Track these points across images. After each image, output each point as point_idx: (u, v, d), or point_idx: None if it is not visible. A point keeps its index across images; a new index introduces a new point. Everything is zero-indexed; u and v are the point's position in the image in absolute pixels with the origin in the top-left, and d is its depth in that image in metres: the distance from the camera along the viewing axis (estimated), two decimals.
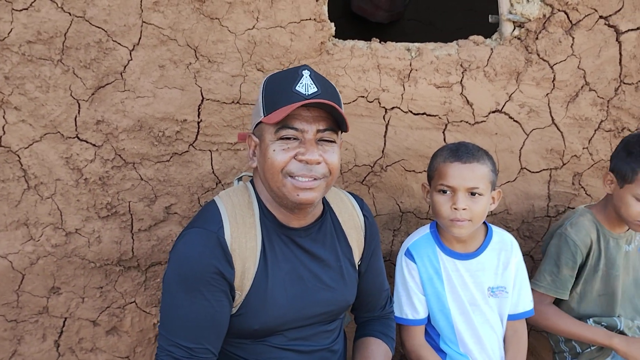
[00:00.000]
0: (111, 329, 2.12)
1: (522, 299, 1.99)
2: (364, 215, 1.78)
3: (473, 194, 1.82)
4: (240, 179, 1.80)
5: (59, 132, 1.92)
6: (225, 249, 1.51)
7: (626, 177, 1.97)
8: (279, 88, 1.51)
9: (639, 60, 2.29)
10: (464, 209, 1.81)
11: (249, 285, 1.54)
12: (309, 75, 1.51)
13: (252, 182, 1.67)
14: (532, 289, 2.06)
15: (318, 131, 1.51)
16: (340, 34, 2.16)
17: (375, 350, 1.75)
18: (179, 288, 1.49)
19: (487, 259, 1.94)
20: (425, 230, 2.00)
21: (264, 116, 1.51)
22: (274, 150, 1.50)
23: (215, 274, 1.48)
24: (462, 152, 1.85)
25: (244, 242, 1.54)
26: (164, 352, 1.48)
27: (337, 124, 1.54)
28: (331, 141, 1.54)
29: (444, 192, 1.85)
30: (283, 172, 1.50)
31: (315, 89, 1.49)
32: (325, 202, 1.72)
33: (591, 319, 2.12)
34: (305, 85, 1.49)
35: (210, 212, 1.57)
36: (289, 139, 1.50)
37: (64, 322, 2.07)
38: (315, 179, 1.51)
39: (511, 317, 1.98)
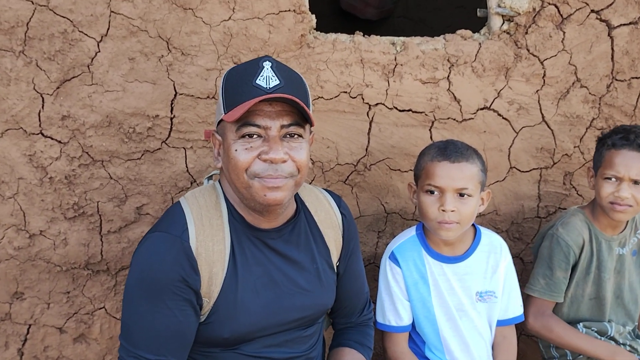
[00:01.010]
0: (79, 336, 2.02)
1: (512, 304, 1.92)
2: (341, 213, 1.69)
3: (462, 195, 1.75)
4: (210, 177, 1.71)
5: (21, 127, 1.82)
6: (190, 255, 1.41)
7: (598, 164, 1.98)
8: (238, 82, 1.41)
9: (631, 56, 2.23)
10: (452, 211, 1.73)
11: (217, 292, 1.45)
12: (271, 67, 1.40)
13: (219, 181, 1.58)
14: (527, 294, 2.01)
15: (282, 127, 1.41)
16: (329, 31, 2.07)
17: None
18: (141, 296, 1.39)
19: (476, 262, 1.87)
20: (411, 232, 1.92)
21: (224, 113, 1.41)
22: (236, 150, 1.40)
23: (178, 282, 1.39)
24: (450, 150, 1.77)
25: (210, 245, 1.45)
26: None
27: (304, 117, 1.44)
28: (298, 136, 1.44)
29: (432, 192, 1.77)
30: (248, 172, 1.41)
31: (278, 82, 1.39)
32: (299, 201, 1.63)
33: (581, 324, 2.06)
34: (267, 78, 1.39)
35: (174, 215, 1.48)
36: (251, 136, 1.40)
37: (28, 329, 1.97)
38: (282, 177, 1.41)
39: (500, 323, 1.91)
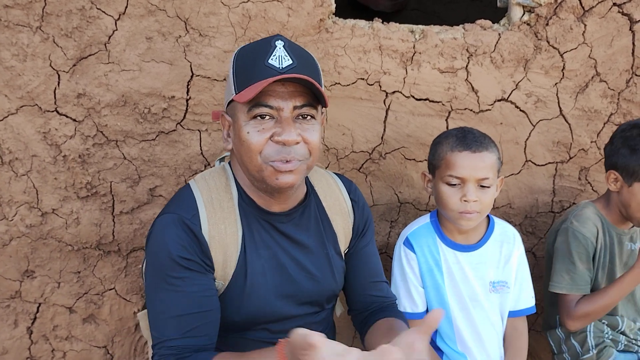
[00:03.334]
0: (88, 316, 2.01)
1: (523, 295, 1.90)
2: (351, 199, 1.66)
3: (483, 185, 1.72)
4: (222, 159, 1.68)
5: (36, 104, 1.80)
6: (199, 236, 1.39)
7: (635, 175, 1.89)
8: (250, 62, 1.38)
9: None
10: (474, 201, 1.71)
11: (231, 274, 1.43)
12: (283, 46, 1.37)
13: (229, 163, 1.55)
14: (552, 293, 1.97)
15: (295, 108, 1.37)
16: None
17: (395, 324, 1.57)
18: (158, 281, 1.38)
19: (489, 251, 1.85)
20: (425, 219, 1.90)
21: (235, 94, 1.38)
22: (248, 132, 1.37)
23: (190, 258, 1.37)
24: (470, 139, 1.74)
25: (222, 228, 1.43)
26: (157, 357, 1.36)
27: (317, 98, 1.41)
28: (311, 116, 1.41)
29: (453, 183, 1.73)
30: (262, 156, 1.38)
31: (290, 62, 1.36)
32: (309, 185, 1.60)
33: None
34: (279, 58, 1.35)
35: (184, 198, 1.45)
36: (263, 117, 1.37)
37: (38, 307, 1.96)
38: (295, 160, 1.38)
39: (511, 314, 1.90)
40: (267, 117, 1.37)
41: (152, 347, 1.41)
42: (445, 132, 1.87)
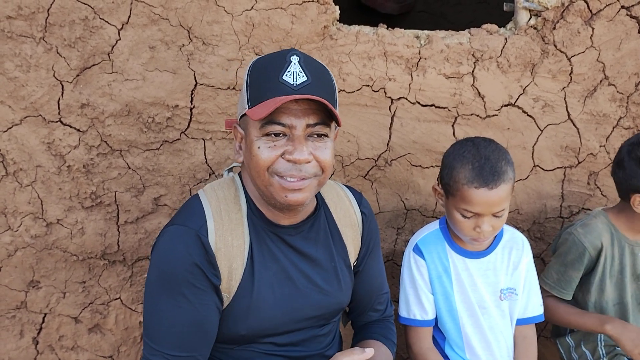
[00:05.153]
0: (94, 326, 2.01)
1: (532, 303, 1.88)
2: (361, 212, 1.65)
3: (497, 215, 1.69)
4: (230, 169, 1.67)
5: (40, 115, 1.80)
6: (208, 249, 1.38)
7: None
8: (264, 77, 1.35)
9: None
10: (489, 230, 1.69)
11: (236, 287, 1.42)
12: (298, 62, 1.34)
13: (239, 174, 1.54)
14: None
15: (308, 126, 1.35)
16: (347, 24, 2.03)
17: (375, 353, 1.60)
18: (160, 292, 1.36)
19: (498, 258, 1.83)
20: (434, 225, 1.88)
21: (248, 108, 1.36)
22: (258, 148, 1.35)
23: (198, 275, 1.36)
24: (487, 172, 1.65)
25: (229, 240, 1.42)
26: None
27: (330, 115, 1.38)
28: (324, 135, 1.39)
29: (467, 216, 1.70)
30: (269, 170, 1.36)
31: (305, 78, 1.33)
32: (319, 197, 1.59)
33: None
34: (294, 74, 1.33)
35: (193, 208, 1.44)
36: (276, 135, 1.35)
37: (44, 318, 1.96)
38: (304, 178, 1.37)
39: (520, 322, 1.87)
40: (280, 135, 1.35)
41: (144, 349, 1.40)
42: (459, 151, 1.74)
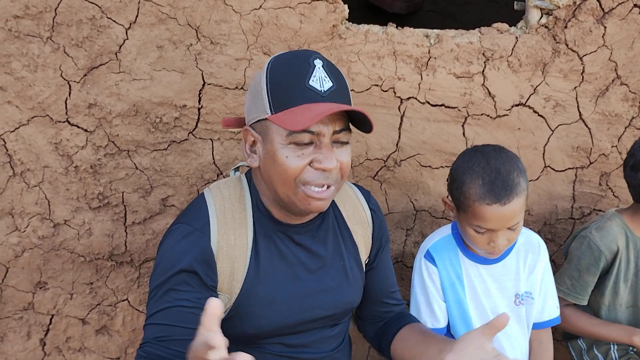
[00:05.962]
0: (101, 327, 2.00)
1: (548, 306, 1.84)
2: (370, 209, 1.63)
3: (512, 228, 1.65)
4: (237, 169, 1.65)
5: (47, 115, 1.79)
6: (209, 248, 1.37)
7: None
8: (288, 81, 1.31)
9: None
10: (504, 244, 1.66)
11: (239, 287, 1.40)
12: (322, 66, 1.32)
13: (247, 174, 1.52)
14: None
15: (334, 132, 1.33)
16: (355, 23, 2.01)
17: (423, 327, 1.60)
18: (159, 287, 1.36)
19: (513, 262, 1.79)
20: (446, 230, 1.84)
21: (272, 113, 1.32)
22: (286, 157, 1.32)
23: (195, 273, 1.35)
24: (499, 186, 1.58)
25: (232, 239, 1.40)
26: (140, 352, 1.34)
27: (350, 120, 1.37)
28: (345, 142, 1.38)
29: (480, 232, 1.65)
30: (296, 180, 1.34)
31: (331, 84, 1.31)
32: None
33: None
34: (320, 79, 1.30)
35: (197, 207, 1.44)
36: (306, 143, 1.32)
37: (51, 319, 1.95)
38: (329, 186, 1.36)
39: (535, 326, 1.83)
40: (308, 143, 1.33)
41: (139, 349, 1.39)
42: (468, 164, 1.66)
